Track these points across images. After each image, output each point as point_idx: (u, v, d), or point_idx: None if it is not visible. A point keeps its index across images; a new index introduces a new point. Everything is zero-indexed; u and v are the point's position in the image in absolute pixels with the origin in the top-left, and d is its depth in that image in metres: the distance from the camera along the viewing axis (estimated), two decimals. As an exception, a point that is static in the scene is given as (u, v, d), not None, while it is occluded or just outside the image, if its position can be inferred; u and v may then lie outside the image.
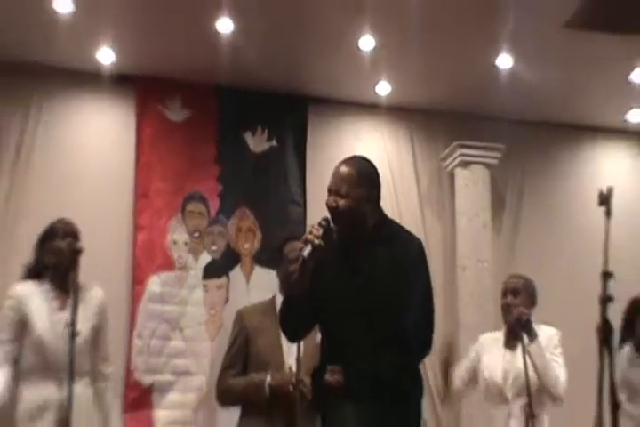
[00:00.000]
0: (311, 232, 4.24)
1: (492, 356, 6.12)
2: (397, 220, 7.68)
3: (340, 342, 4.44)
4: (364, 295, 4.29)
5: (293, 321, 4.52)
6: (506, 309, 6.11)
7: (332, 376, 4.38)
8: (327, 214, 4.35)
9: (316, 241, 4.25)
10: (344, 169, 4.45)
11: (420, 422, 4.40)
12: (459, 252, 8.39)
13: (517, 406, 5.89)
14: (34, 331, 5.26)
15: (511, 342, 6.02)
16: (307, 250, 4.22)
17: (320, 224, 4.27)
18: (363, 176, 4.52)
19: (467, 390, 6.60)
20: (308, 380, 5.01)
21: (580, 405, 5.34)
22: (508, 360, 6.00)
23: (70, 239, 5.30)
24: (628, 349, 6.34)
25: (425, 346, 4.43)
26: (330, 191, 4.39)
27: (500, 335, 6.14)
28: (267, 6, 6.89)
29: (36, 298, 5.36)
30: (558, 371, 5.91)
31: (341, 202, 4.39)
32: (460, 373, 6.31)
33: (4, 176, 7.75)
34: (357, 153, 7.64)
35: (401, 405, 4.36)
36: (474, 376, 6.27)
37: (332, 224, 4.37)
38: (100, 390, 5.41)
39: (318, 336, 5.42)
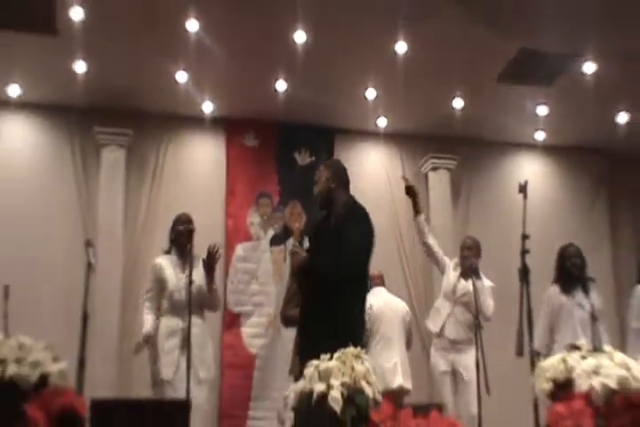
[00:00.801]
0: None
1: (450, 276, 7.42)
2: (393, 206, 9.19)
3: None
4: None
5: None
6: (463, 258, 7.38)
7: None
8: None
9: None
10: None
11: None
12: (431, 221, 9.07)
13: (460, 310, 7.25)
14: (167, 286, 6.57)
15: (464, 276, 7.27)
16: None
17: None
18: (327, 166, 5.72)
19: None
20: None
21: (505, 322, 6.38)
22: (462, 282, 7.27)
23: (186, 224, 6.68)
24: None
25: (327, 274, 5.19)
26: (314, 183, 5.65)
27: (459, 269, 7.36)
28: (307, 73, 8.10)
29: (167, 266, 6.67)
30: (489, 301, 7.14)
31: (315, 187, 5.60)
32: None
33: (146, 188, 9.05)
34: (366, 164, 9.54)
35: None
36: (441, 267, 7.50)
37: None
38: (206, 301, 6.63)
39: None
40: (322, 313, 5.22)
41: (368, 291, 5.70)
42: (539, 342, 6.83)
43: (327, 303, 5.21)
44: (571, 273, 7.25)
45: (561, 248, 7.42)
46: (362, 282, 5.43)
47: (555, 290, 7.27)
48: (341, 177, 5.61)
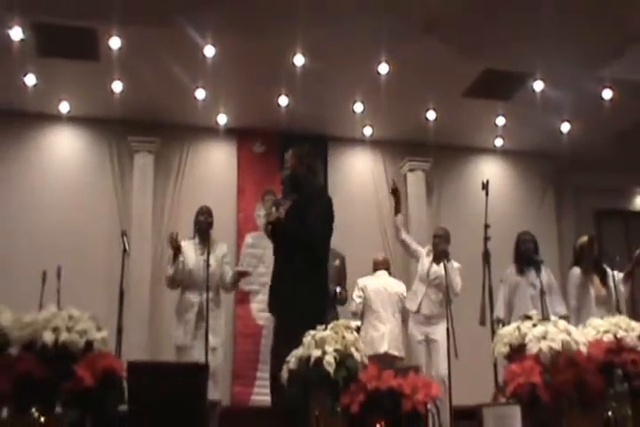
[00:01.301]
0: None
1: (424, 262, 7.49)
2: (378, 203, 9.21)
3: None
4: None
5: None
6: (435, 245, 7.45)
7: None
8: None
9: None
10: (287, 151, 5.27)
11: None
12: (409, 214, 9.39)
13: (433, 290, 7.30)
14: (187, 265, 6.80)
15: (436, 261, 7.31)
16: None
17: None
18: (294, 152, 5.31)
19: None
20: (332, 286, 6.47)
21: (471, 297, 6.51)
22: (434, 266, 7.32)
23: (206, 216, 6.94)
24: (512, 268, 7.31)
25: (296, 238, 4.97)
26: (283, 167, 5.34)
27: (431, 255, 7.44)
28: (305, 91, 8.06)
29: (189, 248, 6.90)
30: (458, 280, 7.25)
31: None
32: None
33: (171, 188, 9.06)
34: (355, 167, 9.52)
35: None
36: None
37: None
38: (224, 281, 6.84)
39: (337, 262, 7.19)
40: (291, 272, 5.05)
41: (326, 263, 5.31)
42: (502, 313, 7.04)
43: (295, 263, 5.02)
44: (524, 255, 7.27)
45: (518, 235, 7.47)
46: (321, 252, 5.12)
47: (512, 270, 7.31)
48: (307, 162, 5.24)
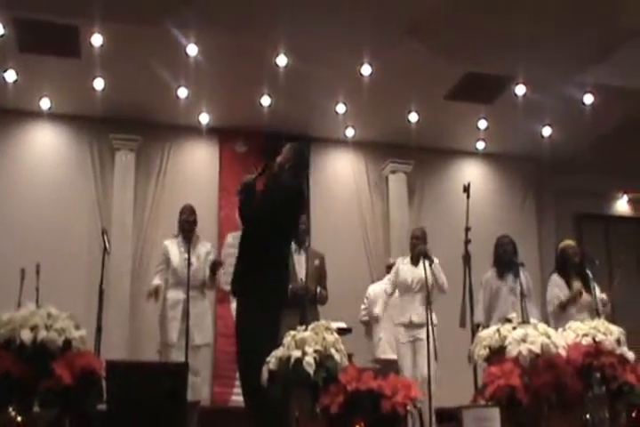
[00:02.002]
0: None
1: (404, 269, 7.28)
2: (359, 204, 9.25)
3: None
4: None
5: None
6: (413, 245, 7.32)
7: None
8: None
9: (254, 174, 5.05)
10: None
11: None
12: (390, 215, 9.47)
13: (419, 297, 7.05)
14: (172, 264, 6.70)
15: (414, 262, 7.20)
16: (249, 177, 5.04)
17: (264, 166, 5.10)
18: (292, 147, 5.31)
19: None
20: (312, 286, 6.53)
21: (451, 301, 6.55)
22: (413, 271, 7.16)
23: (187, 214, 6.82)
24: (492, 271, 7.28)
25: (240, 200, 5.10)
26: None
27: (408, 259, 7.31)
28: (287, 91, 8.11)
29: (173, 247, 6.81)
30: (443, 277, 7.02)
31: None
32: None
33: (152, 186, 8.98)
34: (337, 167, 9.51)
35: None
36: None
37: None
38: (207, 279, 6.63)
39: (316, 261, 6.96)
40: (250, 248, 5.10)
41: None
42: (482, 317, 6.95)
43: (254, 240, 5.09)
44: (503, 259, 7.24)
45: (497, 238, 7.43)
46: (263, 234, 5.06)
47: (492, 274, 7.28)
48: (296, 161, 5.26)
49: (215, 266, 6.61)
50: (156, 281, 6.67)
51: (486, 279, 7.28)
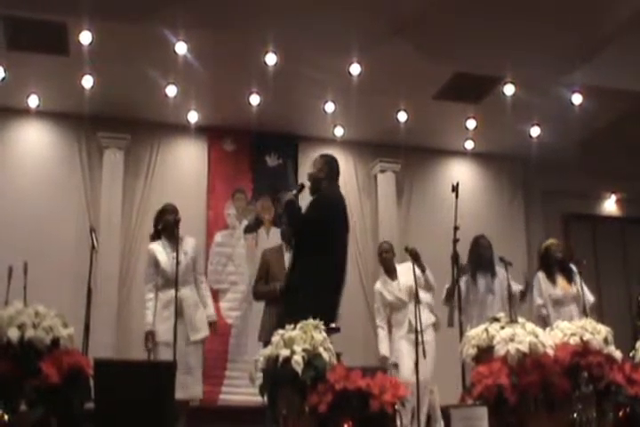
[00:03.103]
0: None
1: (386, 290, 7.19)
2: (347, 201, 8.22)
3: None
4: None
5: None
6: (382, 260, 7.41)
7: None
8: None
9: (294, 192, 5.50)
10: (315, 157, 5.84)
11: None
12: (379, 215, 9.45)
13: (410, 305, 6.75)
14: (160, 265, 6.65)
15: (391, 275, 7.21)
16: (290, 194, 5.44)
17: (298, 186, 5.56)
18: (322, 158, 5.80)
19: None
20: None
21: (439, 300, 7.00)
22: (394, 286, 7.15)
23: (173, 214, 6.72)
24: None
25: (288, 220, 5.61)
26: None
27: (383, 277, 7.27)
28: (276, 90, 8.08)
29: (159, 249, 6.76)
30: (433, 280, 7.06)
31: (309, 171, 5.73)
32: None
33: (141, 184, 8.97)
34: None
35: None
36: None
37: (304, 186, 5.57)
38: (199, 289, 6.76)
39: None
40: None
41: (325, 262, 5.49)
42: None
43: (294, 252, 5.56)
44: (483, 260, 7.27)
45: (475, 238, 7.45)
46: (318, 249, 5.39)
47: (464, 279, 7.19)
48: (331, 170, 5.70)
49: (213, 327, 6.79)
50: (148, 321, 6.60)
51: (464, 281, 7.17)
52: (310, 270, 5.25)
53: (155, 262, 6.71)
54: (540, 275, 7.40)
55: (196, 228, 8.45)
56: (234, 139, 9.44)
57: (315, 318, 4.21)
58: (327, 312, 4.85)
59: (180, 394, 5.16)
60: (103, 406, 3.89)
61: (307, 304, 4.87)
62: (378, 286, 7.33)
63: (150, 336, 6.51)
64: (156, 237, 6.84)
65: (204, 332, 6.72)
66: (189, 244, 6.83)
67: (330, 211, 5.49)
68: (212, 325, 6.74)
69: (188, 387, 6.21)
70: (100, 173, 8.86)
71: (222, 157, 9.41)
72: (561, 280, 7.33)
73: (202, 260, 7.44)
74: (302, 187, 5.61)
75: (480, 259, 7.27)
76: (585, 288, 7.16)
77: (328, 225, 5.40)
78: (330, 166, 5.71)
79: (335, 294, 5.42)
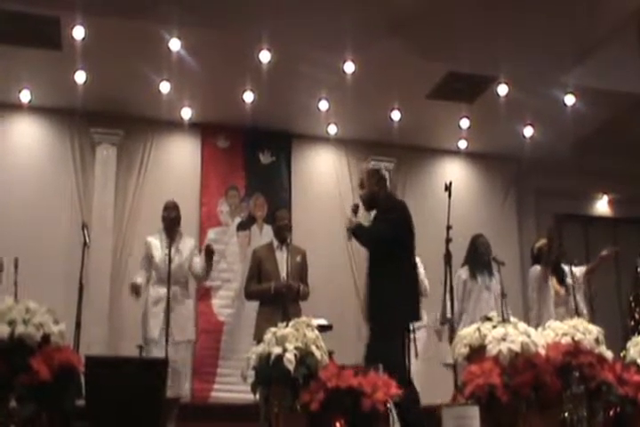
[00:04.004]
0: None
1: None
2: (341, 202, 9.08)
3: None
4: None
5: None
6: None
7: None
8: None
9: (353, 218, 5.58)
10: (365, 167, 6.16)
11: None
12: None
13: None
14: (154, 260, 6.74)
15: None
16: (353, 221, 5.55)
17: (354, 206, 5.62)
18: (371, 172, 5.84)
19: None
20: (294, 282, 6.48)
21: (431, 299, 6.90)
22: None
23: (171, 211, 6.84)
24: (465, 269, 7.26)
25: (364, 242, 5.59)
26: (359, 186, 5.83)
27: None
28: (270, 87, 8.04)
29: (155, 243, 6.82)
30: (426, 282, 7.21)
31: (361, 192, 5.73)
32: None
33: (133, 181, 8.93)
34: (318, 165, 9.51)
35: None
36: None
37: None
38: (195, 272, 6.78)
39: (298, 258, 6.91)
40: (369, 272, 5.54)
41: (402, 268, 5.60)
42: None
43: (372, 263, 5.53)
44: (483, 259, 7.26)
45: (473, 237, 7.49)
46: (394, 257, 5.49)
47: (464, 273, 7.25)
48: (381, 179, 5.78)
49: (209, 252, 6.62)
50: (138, 279, 6.66)
51: (458, 276, 7.19)
52: (391, 276, 5.36)
53: (149, 256, 6.76)
54: (536, 269, 7.41)
55: (189, 224, 8.38)
56: (227, 136, 9.40)
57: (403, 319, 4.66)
58: (415, 310, 5.28)
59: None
60: (94, 403, 3.86)
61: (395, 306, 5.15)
62: None
63: (136, 290, 6.55)
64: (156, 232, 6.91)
65: (189, 334, 6.78)
66: (187, 244, 6.86)
67: (404, 227, 5.60)
68: (209, 251, 6.72)
69: (175, 385, 6.23)
70: (92, 169, 8.83)
71: (216, 154, 9.38)
72: (553, 282, 7.34)
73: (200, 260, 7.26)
74: (357, 207, 5.70)
75: (479, 258, 7.28)
76: (579, 281, 7.24)
77: (405, 240, 5.57)
78: (379, 176, 5.80)
79: (416, 293, 5.61)
